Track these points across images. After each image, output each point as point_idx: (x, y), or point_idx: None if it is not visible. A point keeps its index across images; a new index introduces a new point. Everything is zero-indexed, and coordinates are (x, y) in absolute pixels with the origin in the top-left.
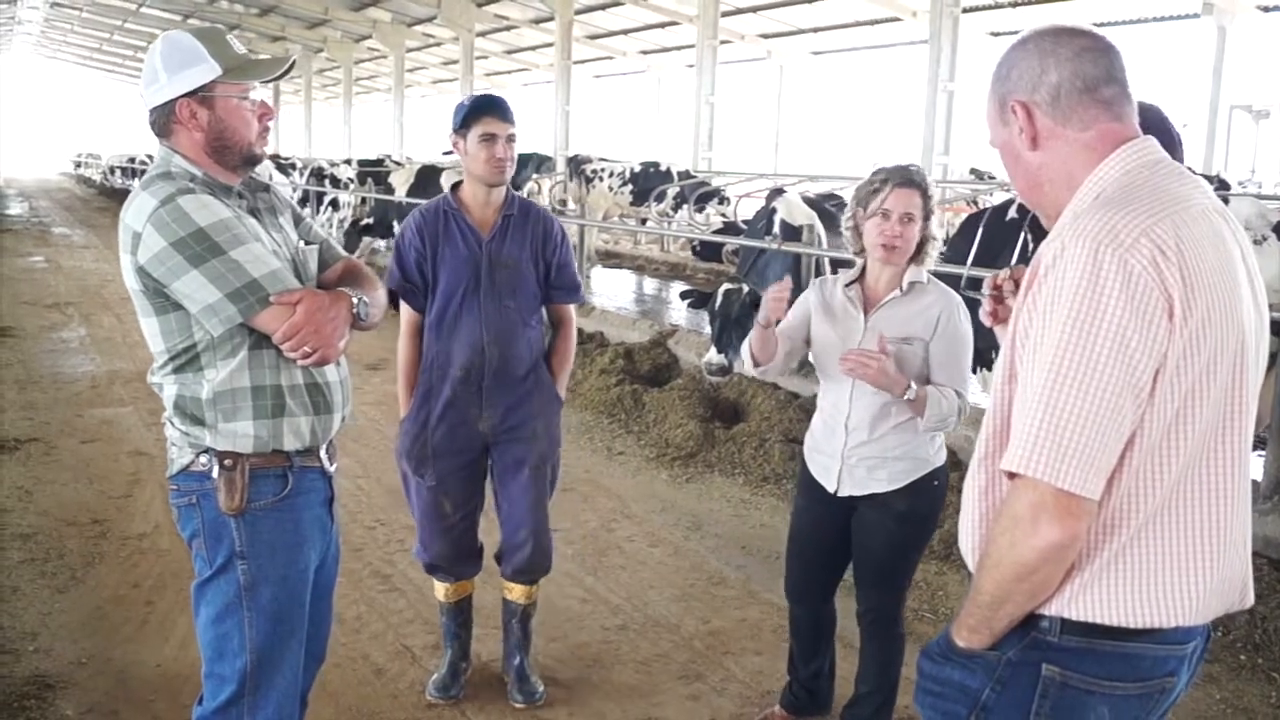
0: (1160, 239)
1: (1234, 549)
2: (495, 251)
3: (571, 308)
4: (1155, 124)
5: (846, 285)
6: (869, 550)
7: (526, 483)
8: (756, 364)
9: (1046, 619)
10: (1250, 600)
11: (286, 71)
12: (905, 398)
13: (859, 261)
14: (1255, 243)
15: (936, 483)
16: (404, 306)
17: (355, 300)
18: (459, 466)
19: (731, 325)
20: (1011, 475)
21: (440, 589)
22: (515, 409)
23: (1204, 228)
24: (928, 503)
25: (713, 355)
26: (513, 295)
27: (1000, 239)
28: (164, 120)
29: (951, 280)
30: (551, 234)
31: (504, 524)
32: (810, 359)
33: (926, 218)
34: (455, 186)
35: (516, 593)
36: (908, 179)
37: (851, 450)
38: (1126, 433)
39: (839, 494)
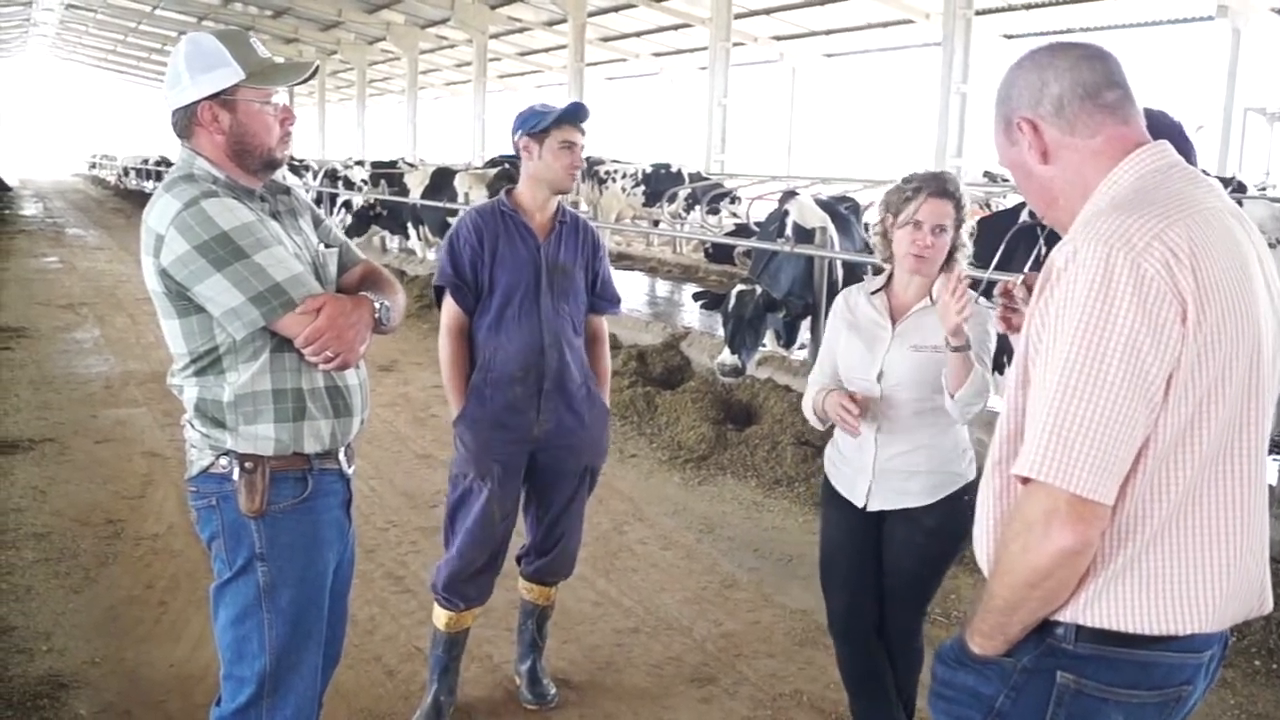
0: (1173, 242)
1: (1251, 554)
2: (552, 256)
3: (605, 321)
4: (1169, 130)
5: (872, 293)
6: (899, 567)
7: (570, 491)
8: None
9: (1062, 626)
10: (1269, 606)
11: (310, 77)
12: (958, 346)
13: (886, 269)
14: (1270, 246)
15: (967, 498)
16: (447, 304)
17: (377, 305)
18: (514, 471)
19: (745, 326)
20: (1025, 480)
21: (442, 617)
22: (570, 417)
23: (1218, 231)
24: (959, 519)
25: (725, 356)
26: (566, 300)
27: (1014, 243)
28: (186, 122)
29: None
30: (599, 245)
31: (538, 527)
32: (839, 372)
33: (958, 226)
34: (509, 190)
35: (535, 593)
36: (942, 188)
37: (884, 463)
38: (1139, 438)
39: (868, 509)
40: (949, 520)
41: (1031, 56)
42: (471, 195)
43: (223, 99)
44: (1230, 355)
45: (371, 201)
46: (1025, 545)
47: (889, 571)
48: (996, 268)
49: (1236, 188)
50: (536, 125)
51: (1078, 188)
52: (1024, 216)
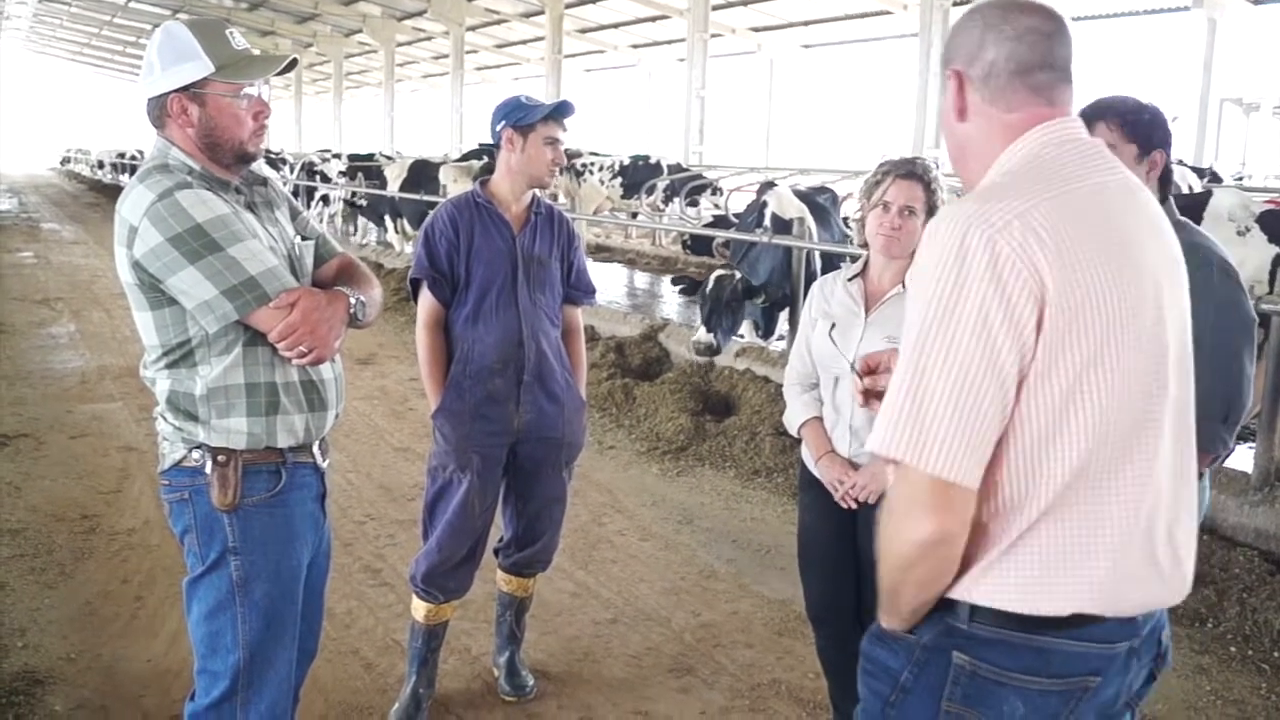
0: (1036, 222)
1: (1145, 538)
2: (528, 247)
3: (580, 312)
4: (1148, 119)
5: (849, 279)
6: (872, 551)
7: (551, 483)
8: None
9: (959, 605)
10: (1184, 591)
11: (287, 69)
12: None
13: (863, 255)
14: (1239, 234)
15: None
16: (424, 297)
17: (353, 300)
18: (494, 463)
19: (721, 307)
20: (895, 462)
21: (421, 610)
22: (552, 408)
23: (1098, 209)
24: None
25: (702, 334)
26: (542, 291)
27: None
28: (158, 112)
29: None
30: (574, 236)
31: (519, 520)
32: (812, 360)
33: (930, 211)
34: (484, 182)
35: (514, 585)
36: (909, 170)
37: (858, 452)
38: (995, 416)
39: None
40: None
41: (985, 9)
42: (455, 187)
43: (192, 92)
44: (1105, 336)
45: (350, 195)
46: (894, 531)
47: (866, 554)
48: None
49: (1212, 177)
50: (523, 119)
51: (986, 152)
52: None
